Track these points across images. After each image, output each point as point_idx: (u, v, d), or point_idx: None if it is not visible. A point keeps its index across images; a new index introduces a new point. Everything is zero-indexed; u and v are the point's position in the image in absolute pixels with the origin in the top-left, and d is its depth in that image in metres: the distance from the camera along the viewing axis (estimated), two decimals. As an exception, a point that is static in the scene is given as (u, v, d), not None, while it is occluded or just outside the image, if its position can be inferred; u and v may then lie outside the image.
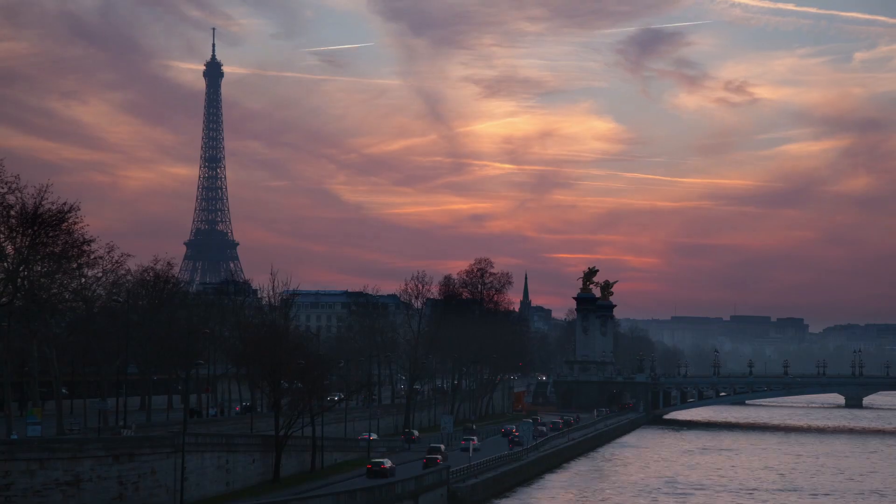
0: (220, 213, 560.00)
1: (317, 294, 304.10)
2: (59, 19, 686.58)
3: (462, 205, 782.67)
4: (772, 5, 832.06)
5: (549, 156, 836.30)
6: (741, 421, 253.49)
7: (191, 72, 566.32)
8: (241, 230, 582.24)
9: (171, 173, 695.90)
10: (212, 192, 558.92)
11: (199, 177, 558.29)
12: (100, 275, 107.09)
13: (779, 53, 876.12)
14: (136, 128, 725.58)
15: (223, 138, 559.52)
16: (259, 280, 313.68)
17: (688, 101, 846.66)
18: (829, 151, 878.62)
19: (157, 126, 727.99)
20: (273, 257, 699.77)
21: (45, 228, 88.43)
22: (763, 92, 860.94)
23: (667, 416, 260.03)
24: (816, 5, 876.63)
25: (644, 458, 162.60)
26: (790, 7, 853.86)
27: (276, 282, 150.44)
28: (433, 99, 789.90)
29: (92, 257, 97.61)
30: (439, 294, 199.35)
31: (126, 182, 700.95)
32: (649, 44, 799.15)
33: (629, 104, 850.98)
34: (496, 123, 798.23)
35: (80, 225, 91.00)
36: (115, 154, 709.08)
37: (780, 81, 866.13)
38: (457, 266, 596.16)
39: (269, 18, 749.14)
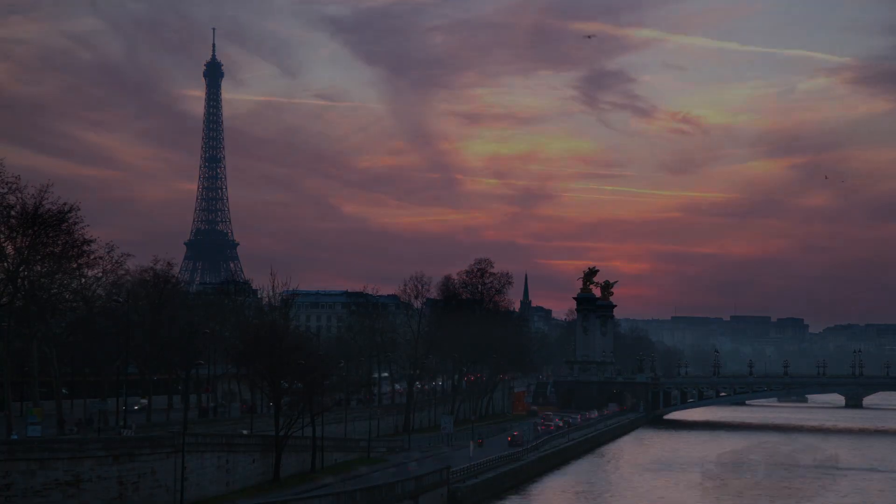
0: (220, 214, 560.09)
1: (317, 294, 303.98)
2: (91, 63, 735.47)
3: (455, 215, 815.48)
4: (718, 44, 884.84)
5: (533, 172, 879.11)
6: (741, 421, 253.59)
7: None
8: (242, 230, 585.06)
9: (184, 189, 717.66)
10: (212, 192, 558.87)
11: (199, 177, 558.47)
12: (100, 275, 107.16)
13: (728, 86, 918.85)
14: (153, 150, 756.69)
15: (223, 138, 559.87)
16: (259, 280, 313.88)
17: (646, 128, 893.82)
18: (790, 168, 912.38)
19: (172, 149, 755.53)
20: (273, 258, 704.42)
21: (46, 228, 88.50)
22: (715, 119, 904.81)
23: (667, 417, 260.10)
24: (760, 44, 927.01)
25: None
26: (734, 46, 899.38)
27: (275, 282, 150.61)
28: (421, 127, 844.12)
29: (92, 257, 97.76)
30: (439, 294, 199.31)
31: (142, 196, 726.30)
32: (602, 80, 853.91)
33: (595, 130, 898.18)
34: (481, 144, 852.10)
35: (81, 225, 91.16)
36: (131, 173, 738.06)
37: (730, 111, 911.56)
38: (456, 269, 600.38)
39: (268, 61, 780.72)
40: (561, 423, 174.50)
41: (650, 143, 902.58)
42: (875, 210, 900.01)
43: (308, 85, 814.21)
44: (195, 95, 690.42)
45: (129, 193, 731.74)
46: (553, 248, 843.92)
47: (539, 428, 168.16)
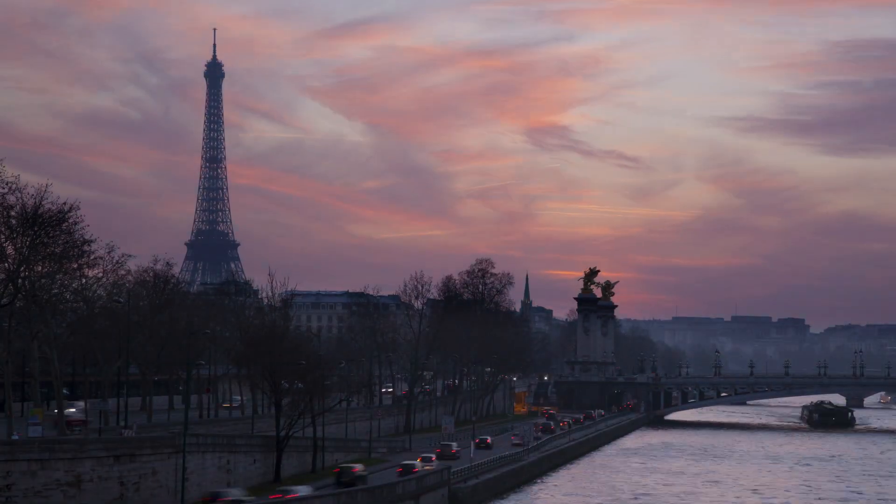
0: (220, 214, 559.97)
1: (317, 294, 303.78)
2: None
3: (450, 230, 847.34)
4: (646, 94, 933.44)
5: (518, 194, 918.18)
6: (742, 421, 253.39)
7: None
8: (242, 231, 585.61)
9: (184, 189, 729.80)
10: (212, 192, 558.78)
11: (200, 177, 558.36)
12: (100, 275, 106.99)
13: (660, 127, 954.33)
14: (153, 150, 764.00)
15: (224, 138, 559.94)
16: (259, 280, 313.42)
17: (592, 167, 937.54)
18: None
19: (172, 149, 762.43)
20: (273, 258, 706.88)
21: (46, 229, 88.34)
22: (652, 153, 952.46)
23: (668, 417, 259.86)
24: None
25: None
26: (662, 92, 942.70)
27: (276, 282, 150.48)
28: (411, 161, 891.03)
29: (92, 258, 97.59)
30: (440, 294, 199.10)
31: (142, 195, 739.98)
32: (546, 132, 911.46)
33: (553, 165, 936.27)
34: (461, 175, 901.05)
35: (81, 225, 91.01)
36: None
37: (664, 148, 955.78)
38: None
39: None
40: (553, 427, 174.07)
41: (599, 173, 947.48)
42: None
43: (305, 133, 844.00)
44: (195, 95, 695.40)
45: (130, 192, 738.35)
46: (549, 260, 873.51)
47: (536, 432, 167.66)
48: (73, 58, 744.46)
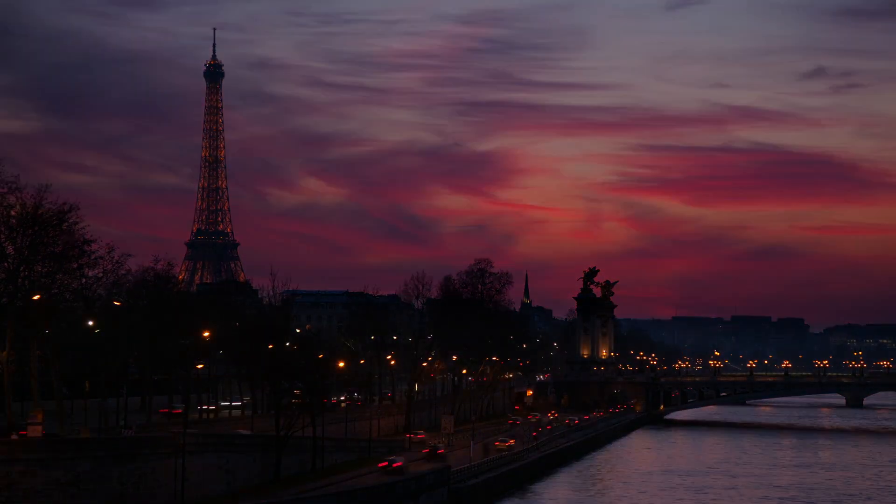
0: (220, 214, 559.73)
1: (317, 294, 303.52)
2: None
3: (437, 252, 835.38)
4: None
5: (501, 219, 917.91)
6: (742, 421, 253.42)
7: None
8: (242, 231, 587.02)
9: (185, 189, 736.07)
10: (212, 192, 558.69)
11: (200, 177, 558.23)
12: (100, 275, 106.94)
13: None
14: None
15: (223, 138, 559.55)
16: (259, 280, 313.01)
17: None
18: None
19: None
20: (274, 258, 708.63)
21: (46, 228, 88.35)
22: None
23: (667, 417, 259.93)
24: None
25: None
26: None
27: (276, 282, 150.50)
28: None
29: (92, 257, 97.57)
30: (440, 295, 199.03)
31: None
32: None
33: None
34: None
35: (81, 225, 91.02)
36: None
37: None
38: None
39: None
40: (549, 428, 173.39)
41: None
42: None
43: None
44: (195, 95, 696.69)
45: (130, 193, 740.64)
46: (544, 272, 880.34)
47: (532, 434, 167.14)
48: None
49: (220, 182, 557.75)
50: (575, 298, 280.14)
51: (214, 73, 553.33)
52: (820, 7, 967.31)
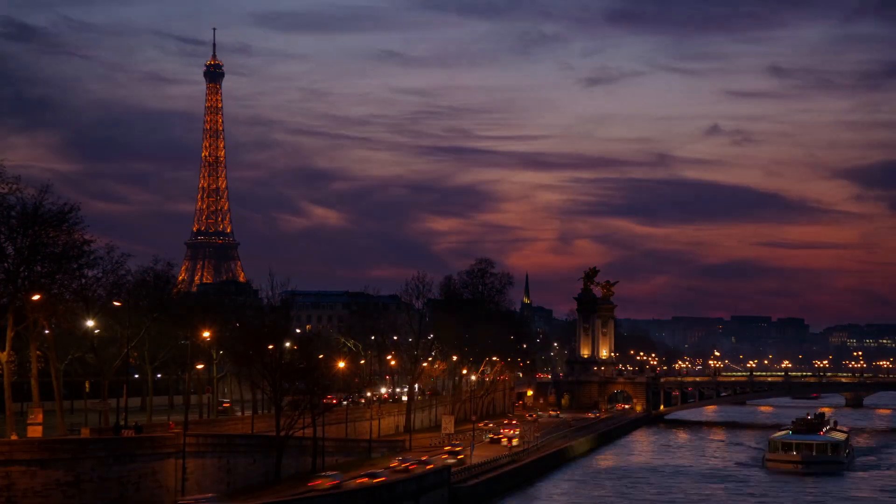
0: (220, 214, 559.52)
1: (317, 294, 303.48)
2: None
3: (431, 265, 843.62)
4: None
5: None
6: (741, 421, 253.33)
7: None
8: (242, 231, 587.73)
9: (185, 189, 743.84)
10: (212, 192, 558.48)
11: (200, 177, 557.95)
12: (100, 275, 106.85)
13: None
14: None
15: (223, 138, 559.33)
16: (259, 280, 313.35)
17: None
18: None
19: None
20: (274, 258, 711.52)
21: (46, 229, 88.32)
22: None
23: (668, 417, 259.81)
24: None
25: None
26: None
27: (276, 282, 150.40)
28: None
29: (92, 258, 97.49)
30: (440, 295, 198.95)
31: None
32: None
33: None
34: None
35: (80, 225, 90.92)
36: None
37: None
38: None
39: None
40: (550, 428, 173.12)
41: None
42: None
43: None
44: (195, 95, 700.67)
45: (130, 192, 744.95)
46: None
47: (533, 434, 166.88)
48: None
49: (220, 182, 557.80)
50: (575, 298, 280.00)
51: (214, 73, 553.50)
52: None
